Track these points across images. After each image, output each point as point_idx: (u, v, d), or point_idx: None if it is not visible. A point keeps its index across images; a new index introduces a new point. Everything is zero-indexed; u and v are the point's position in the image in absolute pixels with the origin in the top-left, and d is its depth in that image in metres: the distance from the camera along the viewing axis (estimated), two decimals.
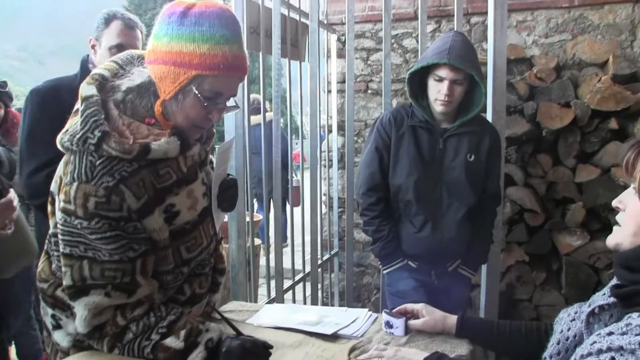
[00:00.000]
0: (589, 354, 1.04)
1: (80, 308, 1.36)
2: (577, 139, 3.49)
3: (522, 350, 1.50)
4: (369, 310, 1.88)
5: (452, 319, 1.63)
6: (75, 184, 1.30)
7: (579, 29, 3.85)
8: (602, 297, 1.28)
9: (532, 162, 3.60)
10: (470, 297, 3.07)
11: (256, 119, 3.89)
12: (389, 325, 1.70)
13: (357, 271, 4.30)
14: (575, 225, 3.51)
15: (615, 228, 1.18)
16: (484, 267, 3.01)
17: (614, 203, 1.18)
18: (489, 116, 2.92)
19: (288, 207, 3.21)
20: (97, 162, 1.31)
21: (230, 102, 1.48)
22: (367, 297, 4.34)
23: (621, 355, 0.97)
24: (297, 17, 3.25)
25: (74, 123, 1.36)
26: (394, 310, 1.72)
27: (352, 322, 1.76)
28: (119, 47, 2.24)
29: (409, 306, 1.70)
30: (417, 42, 2.93)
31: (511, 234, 3.60)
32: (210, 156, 1.69)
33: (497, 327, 1.59)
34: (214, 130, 1.65)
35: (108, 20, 2.32)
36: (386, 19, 2.93)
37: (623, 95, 3.38)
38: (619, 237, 1.14)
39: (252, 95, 4.13)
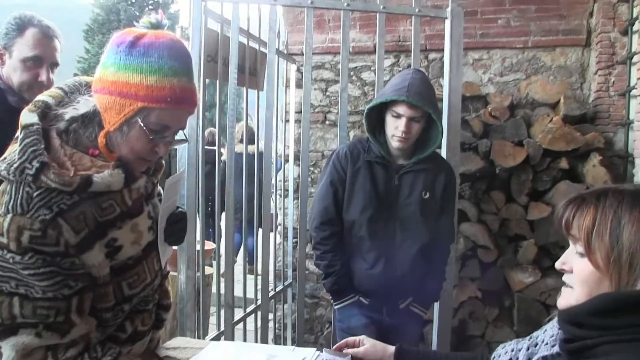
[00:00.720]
0: None
1: (7, 349, 1.27)
2: (529, 177, 3.55)
3: None
4: (317, 350, 1.83)
5: (391, 349, 1.61)
6: (9, 216, 1.23)
7: (533, 69, 3.96)
8: (545, 347, 1.27)
9: (486, 198, 3.64)
10: (423, 332, 3.05)
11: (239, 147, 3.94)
12: None
13: (311, 303, 4.24)
14: (527, 262, 3.56)
15: (565, 289, 1.15)
16: (436, 303, 3.00)
17: (558, 265, 1.17)
18: (443, 152, 2.94)
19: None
20: (35, 194, 1.24)
21: (179, 135, 1.43)
22: (320, 329, 4.27)
23: None
24: (256, 46, 3.23)
25: (12, 151, 1.29)
26: (334, 347, 1.68)
27: None
28: (35, 60, 2.04)
29: (350, 339, 1.67)
30: (375, 75, 2.95)
31: (464, 269, 3.61)
32: (159, 188, 1.63)
33: (433, 357, 1.60)
34: (163, 161, 1.59)
35: (22, 27, 2.03)
36: (344, 52, 2.94)
37: (573, 136, 3.47)
38: (571, 300, 1.13)
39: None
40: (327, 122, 4.24)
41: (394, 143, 2.36)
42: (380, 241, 2.40)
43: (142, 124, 1.29)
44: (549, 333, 1.31)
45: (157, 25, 1.35)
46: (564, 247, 1.20)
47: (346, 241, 2.47)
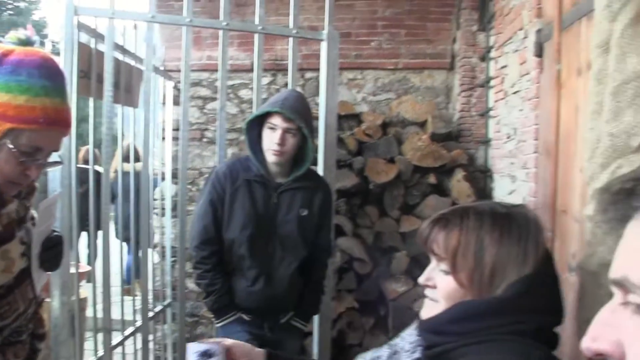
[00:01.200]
0: None
1: None
2: (401, 192, 3.76)
3: None
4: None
5: (261, 351, 1.54)
6: None
7: (403, 90, 4.21)
8: (405, 354, 1.35)
9: (361, 213, 3.80)
10: (303, 344, 3.11)
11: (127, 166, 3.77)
12: (207, 354, 1.61)
13: (191, 321, 4.17)
14: (400, 273, 3.75)
15: (429, 302, 1.23)
16: (316, 316, 3.07)
17: (421, 281, 1.23)
18: (320, 170, 3.02)
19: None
20: None
21: (53, 157, 1.38)
22: None
23: None
24: (132, 62, 3.16)
25: None
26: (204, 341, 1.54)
27: None
28: None
29: (227, 341, 1.52)
30: (253, 93, 2.99)
31: (341, 282, 3.74)
32: (33, 211, 1.56)
33: None
34: (35, 184, 1.52)
35: None
36: (223, 71, 2.95)
37: (440, 153, 3.73)
38: (436, 313, 1.22)
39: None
40: (204, 140, 4.22)
41: (270, 157, 2.40)
42: (260, 259, 2.43)
43: (11, 146, 1.24)
44: (408, 340, 1.40)
45: (26, 42, 1.30)
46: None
47: (226, 259, 2.48)
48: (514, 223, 1.16)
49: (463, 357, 1.10)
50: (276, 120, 2.34)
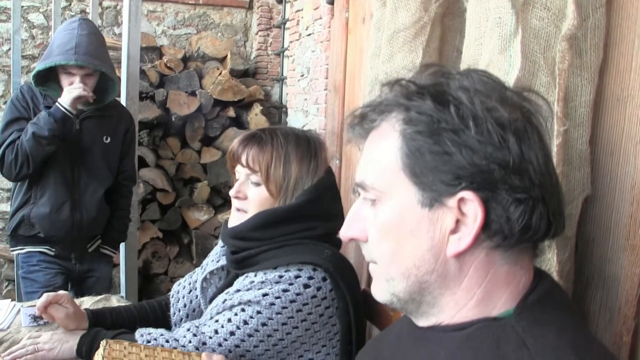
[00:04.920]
0: (223, 310, 1.27)
1: None
2: (202, 124, 3.89)
3: (152, 325, 1.42)
4: (12, 301, 1.80)
5: (84, 313, 1.55)
6: None
7: (203, 25, 4.27)
8: (211, 264, 1.53)
9: (163, 145, 3.87)
10: (112, 276, 3.15)
11: None
12: (33, 318, 1.59)
13: None
14: (202, 202, 3.93)
15: (236, 213, 1.39)
16: (122, 247, 3.12)
17: (232, 193, 1.38)
18: (123, 101, 3.02)
19: None
20: None
21: None
22: None
23: (249, 306, 1.23)
24: None
25: None
26: (34, 304, 1.55)
27: None
28: None
29: (51, 295, 1.50)
30: (45, 18, 2.81)
31: (145, 212, 3.81)
32: None
33: (125, 312, 1.61)
34: None
35: None
36: None
37: (239, 88, 3.92)
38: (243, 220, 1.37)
39: None
40: None
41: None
42: (64, 186, 2.40)
43: None
44: (214, 252, 1.58)
45: None
46: (230, 187, 1.45)
47: (27, 187, 2.41)
48: (310, 143, 1.39)
49: (267, 260, 1.30)
50: (73, 69, 2.28)
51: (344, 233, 0.81)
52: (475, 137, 0.67)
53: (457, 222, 0.69)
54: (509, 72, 1.06)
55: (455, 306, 0.73)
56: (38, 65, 2.34)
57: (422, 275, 0.72)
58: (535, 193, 0.68)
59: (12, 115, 2.35)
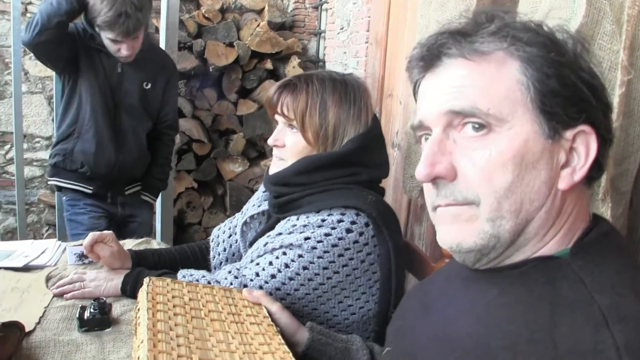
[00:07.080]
0: (265, 253, 1.28)
1: None
2: (238, 76, 3.88)
3: (192, 268, 1.43)
4: (57, 240, 1.85)
5: (128, 254, 1.58)
6: None
7: None
8: (252, 209, 1.54)
9: (199, 95, 3.87)
10: (151, 223, 3.22)
11: None
12: (79, 256, 1.65)
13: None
14: (237, 154, 3.95)
15: (276, 161, 1.38)
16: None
17: (270, 142, 1.37)
18: None
19: None
20: None
21: None
22: (34, 237, 4.08)
23: (290, 249, 1.23)
24: None
25: None
26: (80, 243, 1.61)
27: (42, 252, 1.72)
28: None
29: (97, 234, 1.52)
30: None
31: (181, 162, 3.85)
32: None
33: (166, 253, 1.65)
34: None
35: None
36: None
37: (277, 41, 3.88)
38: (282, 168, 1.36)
39: None
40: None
41: (121, 58, 2.36)
42: (108, 127, 2.43)
43: None
44: (255, 197, 1.58)
45: None
46: (266, 139, 1.44)
47: (73, 120, 2.44)
48: (349, 87, 1.35)
49: (310, 203, 1.30)
50: (119, 37, 2.26)
51: (429, 172, 0.72)
52: (587, 75, 0.69)
53: (567, 155, 0.69)
54: (571, 19, 1.02)
55: (538, 244, 0.71)
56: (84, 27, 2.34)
57: (533, 211, 0.69)
58: (611, 135, 0.71)
59: None
